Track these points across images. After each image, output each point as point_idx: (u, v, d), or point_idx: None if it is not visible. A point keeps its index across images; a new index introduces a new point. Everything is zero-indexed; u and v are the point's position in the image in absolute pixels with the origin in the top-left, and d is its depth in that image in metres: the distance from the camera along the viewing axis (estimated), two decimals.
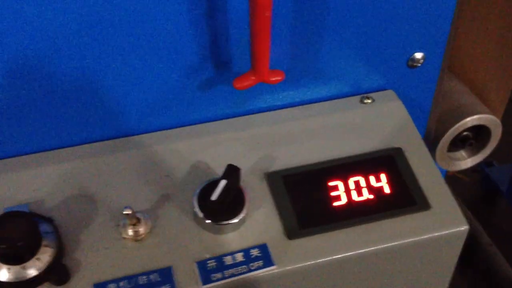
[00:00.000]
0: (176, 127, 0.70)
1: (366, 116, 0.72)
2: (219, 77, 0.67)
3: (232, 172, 0.62)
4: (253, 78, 0.63)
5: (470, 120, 0.87)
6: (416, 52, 0.73)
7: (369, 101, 0.73)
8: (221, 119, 0.71)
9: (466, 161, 0.95)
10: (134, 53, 0.62)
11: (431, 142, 0.90)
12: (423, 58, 0.73)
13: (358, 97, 0.74)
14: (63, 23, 0.57)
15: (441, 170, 1.25)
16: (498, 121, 0.89)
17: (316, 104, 0.73)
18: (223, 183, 0.61)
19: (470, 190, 1.89)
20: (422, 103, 0.78)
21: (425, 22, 0.70)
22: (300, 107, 0.73)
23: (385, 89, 0.75)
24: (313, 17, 0.66)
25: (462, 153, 0.95)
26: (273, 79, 0.64)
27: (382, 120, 0.72)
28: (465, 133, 0.90)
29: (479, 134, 0.91)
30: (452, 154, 0.93)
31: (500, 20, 0.83)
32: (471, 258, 1.66)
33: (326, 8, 0.65)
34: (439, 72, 0.75)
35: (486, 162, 1.86)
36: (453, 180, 1.85)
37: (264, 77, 0.63)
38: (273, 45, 0.66)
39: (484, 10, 0.86)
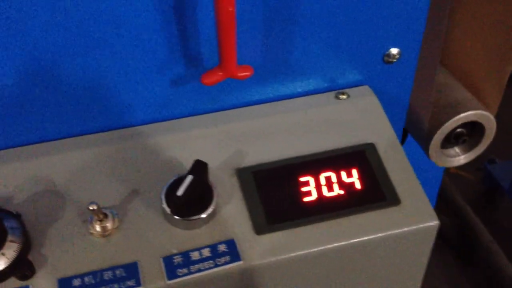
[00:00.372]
0: (148, 123, 0.70)
1: (341, 112, 0.72)
2: (190, 73, 0.67)
3: (199, 167, 0.62)
4: (221, 73, 0.63)
5: (464, 117, 0.85)
6: (391, 47, 0.72)
7: (345, 96, 0.73)
8: (194, 115, 0.71)
9: (460, 157, 0.94)
10: (102, 50, 0.62)
11: (424, 139, 0.89)
12: (399, 53, 0.73)
13: (333, 93, 0.74)
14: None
15: (440, 167, 1.24)
16: (492, 118, 0.88)
17: (290, 100, 0.73)
18: (189, 178, 0.61)
19: (472, 187, 1.88)
20: (399, 98, 0.77)
21: (400, 18, 0.70)
22: (275, 103, 0.73)
23: (361, 85, 0.75)
24: (286, 12, 0.66)
25: (456, 149, 0.94)
26: (241, 74, 0.64)
27: (356, 116, 0.71)
28: (458, 129, 0.89)
29: (474, 130, 0.90)
30: (446, 151, 0.92)
31: (497, 16, 0.83)
32: (472, 255, 1.65)
33: (299, 3, 0.65)
34: (416, 68, 0.74)
35: (488, 159, 1.85)
36: (455, 177, 1.85)
37: (232, 73, 0.63)
38: (245, 40, 0.66)
39: (481, 6, 0.85)
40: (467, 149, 0.94)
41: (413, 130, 0.93)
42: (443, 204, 1.72)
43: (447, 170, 1.86)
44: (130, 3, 0.59)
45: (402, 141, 1.08)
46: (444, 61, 0.96)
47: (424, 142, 0.89)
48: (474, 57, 0.91)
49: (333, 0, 0.66)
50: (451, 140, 0.90)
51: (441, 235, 1.62)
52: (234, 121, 0.71)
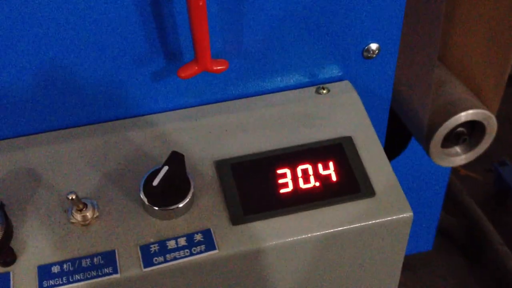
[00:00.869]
0: (129, 117, 0.72)
1: (321, 106, 0.73)
2: (171, 67, 0.69)
3: (175, 158, 0.63)
4: (196, 67, 0.64)
5: (464, 116, 0.85)
6: (371, 42, 0.73)
7: (325, 91, 0.74)
8: (175, 109, 0.73)
9: (461, 157, 0.93)
10: (83, 46, 0.64)
11: (424, 138, 0.90)
12: (378, 49, 0.74)
13: (314, 88, 0.75)
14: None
15: (446, 168, 1.24)
16: (493, 116, 0.87)
17: (271, 95, 0.75)
18: (164, 169, 0.62)
19: (482, 189, 1.87)
20: (381, 93, 0.78)
21: (378, 13, 0.71)
22: (256, 97, 0.74)
23: (342, 80, 0.76)
24: (264, 7, 0.67)
25: (457, 149, 0.93)
26: (216, 68, 0.65)
27: (335, 110, 0.73)
28: (459, 129, 0.89)
29: (474, 129, 0.90)
30: (446, 150, 0.92)
31: (497, 13, 0.83)
32: (480, 256, 1.65)
33: None
34: (396, 63, 0.75)
35: (499, 161, 1.84)
36: (466, 179, 1.84)
37: (206, 66, 0.65)
38: (225, 35, 0.67)
39: (482, 4, 0.85)
40: (468, 148, 0.93)
41: (414, 130, 0.93)
42: (451, 205, 1.71)
43: (456, 172, 1.86)
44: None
45: (407, 141, 1.08)
46: (444, 59, 0.96)
47: (424, 141, 0.89)
48: (475, 55, 0.91)
49: None
50: (451, 139, 0.90)
51: (449, 235, 1.62)
52: (215, 115, 0.72)
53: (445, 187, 1.34)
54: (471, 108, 0.86)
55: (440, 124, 0.87)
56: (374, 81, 0.76)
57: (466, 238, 1.71)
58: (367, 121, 0.71)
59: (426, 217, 1.34)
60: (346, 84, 0.75)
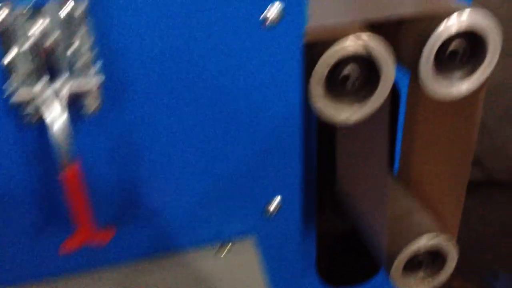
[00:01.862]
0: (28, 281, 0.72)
1: (218, 266, 0.72)
2: (62, 235, 0.69)
3: None
4: (79, 239, 0.65)
5: (423, 243, 0.84)
6: (272, 198, 0.74)
7: (225, 250, 0.74)
8: (70, 274, 0.72)
9: (424, 282, 0.90)
10: None
11: (385, 266, 0.88)
12: (280, 203, 0.74)
13: (214, 247, 0.75)
14: None
15: None
16: (452, 240, 0.85)
17: (168, 257, 0.74)
18: None
19: None
20: (287, 249, 0.78)
21: (277, 171, 0.72)
22: (150, 260, 0.74)
23: (245, 237, 0.75)
24: (161, 169, 0.68)
25: (421, 274, 0.91)
26: (101, 238, 0.66)
27: (232, 271, 0.72)
28: (420, 256, 0.87)
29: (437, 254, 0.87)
30: (408, 279, 0.88)
31: (454, 132, 0.83)
32: None
33: (168, 157, 0.67)
34: (299, 219, 0.75)
35: (491, 272, 1.78)
36: None
37: (91, 237, 0.65)
38: (116, 200, 0.68)
39: (437, 121, 0.85)
40: (433, 273, 0.91)
41: (375, 258, 0.91)
42: None
43: (450, 284, 1.81)
44: None
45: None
46: (403, 179, 0.95)
47: (385, 269, 0.87)
48: (432, 174, 0.90)
49: (204, 152, 0.68)
50: (414, 265, 0.87)
51: None
52: (110, 280, 0.72)
53: None
54: (428, 232, 0.84)
55: (397, 253, 0.85)
56: (278, 237, 0.76)
57: None
58: (260, 281, 0.70)
59: None
60: (248, 242, 0.75)
